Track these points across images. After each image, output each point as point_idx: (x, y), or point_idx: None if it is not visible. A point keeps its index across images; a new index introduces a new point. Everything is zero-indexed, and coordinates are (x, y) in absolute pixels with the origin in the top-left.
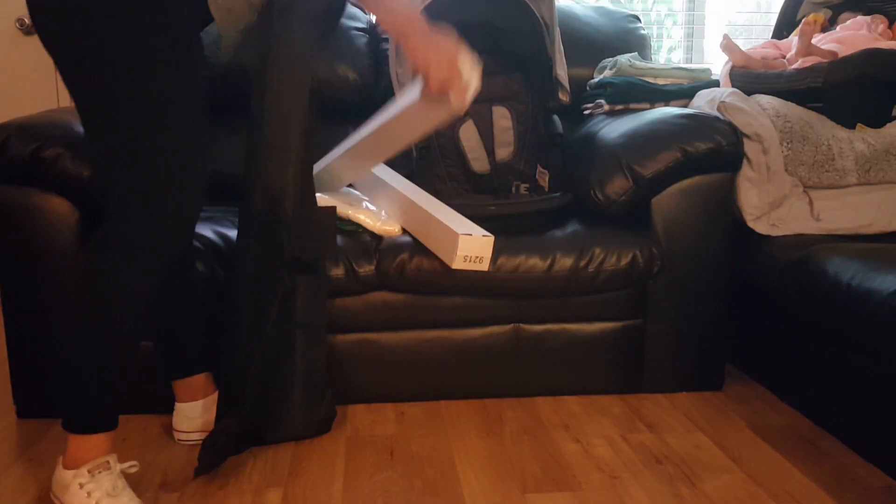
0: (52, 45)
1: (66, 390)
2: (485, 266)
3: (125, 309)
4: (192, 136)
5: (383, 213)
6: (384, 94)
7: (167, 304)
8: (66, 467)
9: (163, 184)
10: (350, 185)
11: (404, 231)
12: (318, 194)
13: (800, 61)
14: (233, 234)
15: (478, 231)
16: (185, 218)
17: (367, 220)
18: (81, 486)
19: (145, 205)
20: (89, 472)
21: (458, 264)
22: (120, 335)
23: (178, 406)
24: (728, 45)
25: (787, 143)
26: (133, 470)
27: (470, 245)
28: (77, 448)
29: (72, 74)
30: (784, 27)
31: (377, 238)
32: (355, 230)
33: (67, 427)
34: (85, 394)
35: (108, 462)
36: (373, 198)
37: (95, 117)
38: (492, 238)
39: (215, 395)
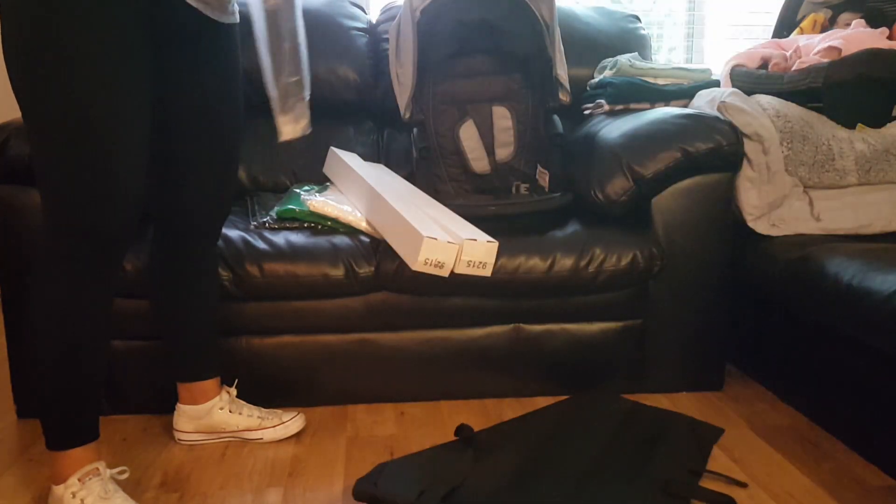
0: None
1: (40, 408)
2: (488, 272)
3: (62, 321)
4: (116, 159)
5: (348, 207)
6: (384, 94)
7: (180, 307)
8: (56, 483)
9: (77, 205)
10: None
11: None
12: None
13: (798, 61)
14: (238, 236)
15: (482, 237)
16: (104, 239)
17: (339, 214)
18: (74, 494)
19: (57, 224)
20: (79, 480)
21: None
22: (68, 347)
23: (180, 407)
24: None
25: (788, 143)
26: (124, 476)
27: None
28: (61, 464)
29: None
30: (784, 27)
31: (375, 238)
32: (331, 225)
33: (48, 445)
34: (54, 410)
35: (97, 468)
36: (344, 189)
37: (28, 131)
38: (496, 244)
39: (218, 399)
